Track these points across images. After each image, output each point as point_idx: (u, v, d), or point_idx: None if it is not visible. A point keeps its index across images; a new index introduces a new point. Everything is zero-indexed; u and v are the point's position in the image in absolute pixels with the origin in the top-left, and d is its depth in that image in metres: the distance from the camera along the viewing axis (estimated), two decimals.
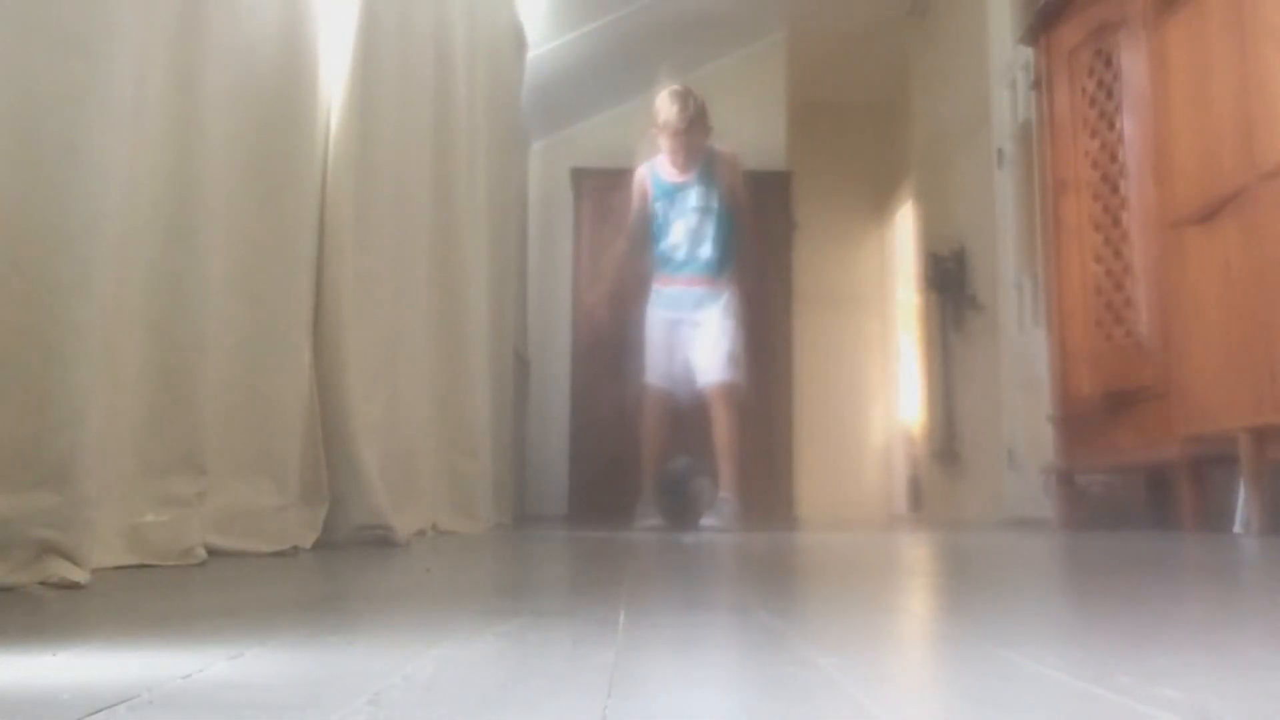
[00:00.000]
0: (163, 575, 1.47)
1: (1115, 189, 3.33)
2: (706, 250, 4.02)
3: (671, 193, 4.07)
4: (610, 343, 5.68)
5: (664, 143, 4.02)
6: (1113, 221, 3.33)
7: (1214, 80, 2.72)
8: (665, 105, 3.96)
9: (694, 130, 3.96)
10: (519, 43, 4.87)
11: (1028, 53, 4.17)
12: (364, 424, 2.34)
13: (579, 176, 5.89)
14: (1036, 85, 3.90)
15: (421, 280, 2.99)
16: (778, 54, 6.19)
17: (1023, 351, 4.63)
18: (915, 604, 1.26)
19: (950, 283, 5.57)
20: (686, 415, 4.02)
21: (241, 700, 0.61)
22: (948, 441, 5.73)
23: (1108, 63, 3.38)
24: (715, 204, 4.02)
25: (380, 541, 2.26)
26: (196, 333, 1.77)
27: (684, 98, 3.96)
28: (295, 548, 1.99)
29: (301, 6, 2.25)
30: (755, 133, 5.67)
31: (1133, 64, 3.22)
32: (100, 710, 0.56)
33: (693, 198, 4.03)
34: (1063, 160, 3.61)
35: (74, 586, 1.21)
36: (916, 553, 2.35)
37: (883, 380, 7.66)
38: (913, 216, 6.82)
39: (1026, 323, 4.69)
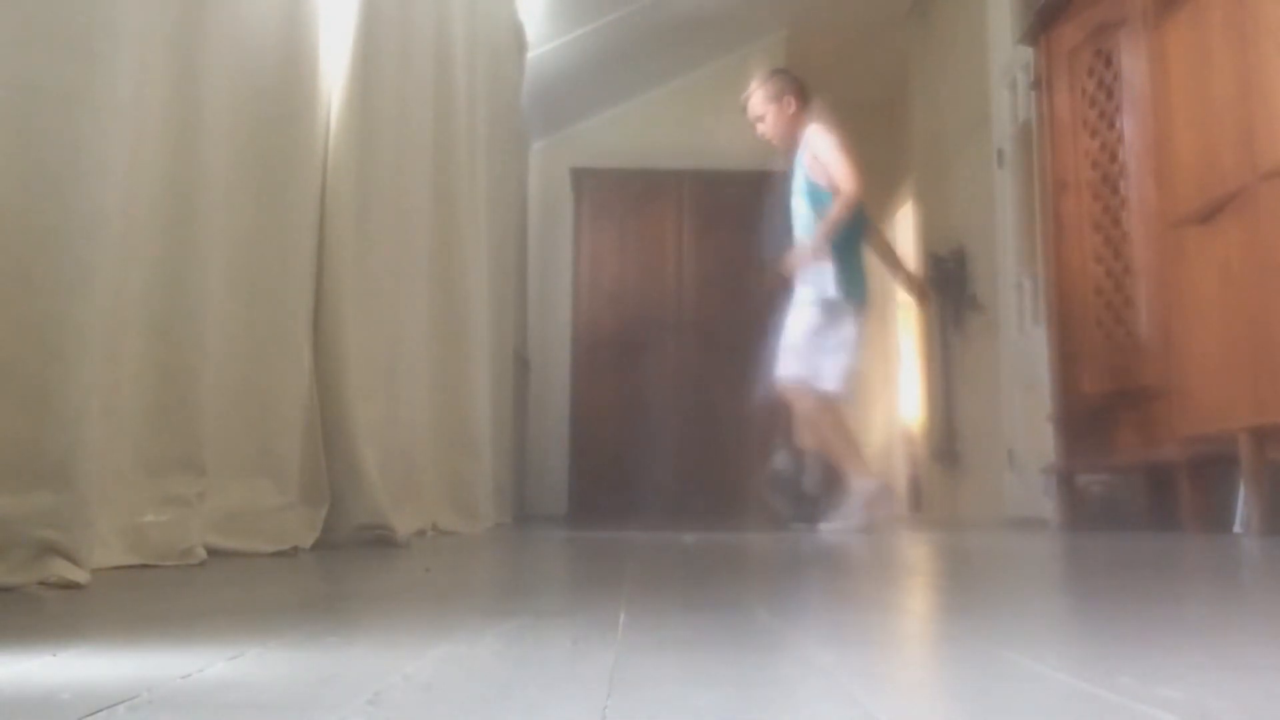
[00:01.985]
0: (163, 575, 1.47)
1: (1115, 189, 3.33)
2: (798, 234, 3.79)
3: (785, 182, 3.95)
4: (612, 343, 5.69)
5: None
6: (1113, 221, 3.33)
7: (1214, 80, 2.72)
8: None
9: (763, 107, 3.88)
10: (519, 43, 4.87)
11: (1028, 53, 4.17)
12: (364, 424, 2.34)
13: (579, 176, 5.90)
14: (1036, 85, 3.89)
15: (421, 280, 2.99)
16: (778, 54, 6.18)
17: (1023, 351, 4.63)
18: (915, 603, 1.26)
19: (950, 283, 5.57)
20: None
21: (241, 700, 0.61)
22: (948, 441, 5.73)
23: (1108, 63, 3.38)
24: (803, 184, 3.81)
25: (380, 541, 2.26)
26: (196, 332, 1.77)
27: (761, 79, 3.92)
28: (295, 548, 1.99)
29: (302, 7, 2.25)
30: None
31: (1133, 64, 3.22)
32: (100, 710, 0.56)
33: (792, 183, 3.88)
34: (1063, 160, 3.61)
35: (74, 586, 1.21)
36: (917, 552, 2.35)
37: (883, 380, 7.66)
38: (913, 216, 6.82)
39: (1026, 323, 4.69)
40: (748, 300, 5.21)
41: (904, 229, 7.29)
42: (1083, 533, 3.24)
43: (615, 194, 5.86)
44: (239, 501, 1.91)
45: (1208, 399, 2.75)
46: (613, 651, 0.76)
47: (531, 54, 5.07)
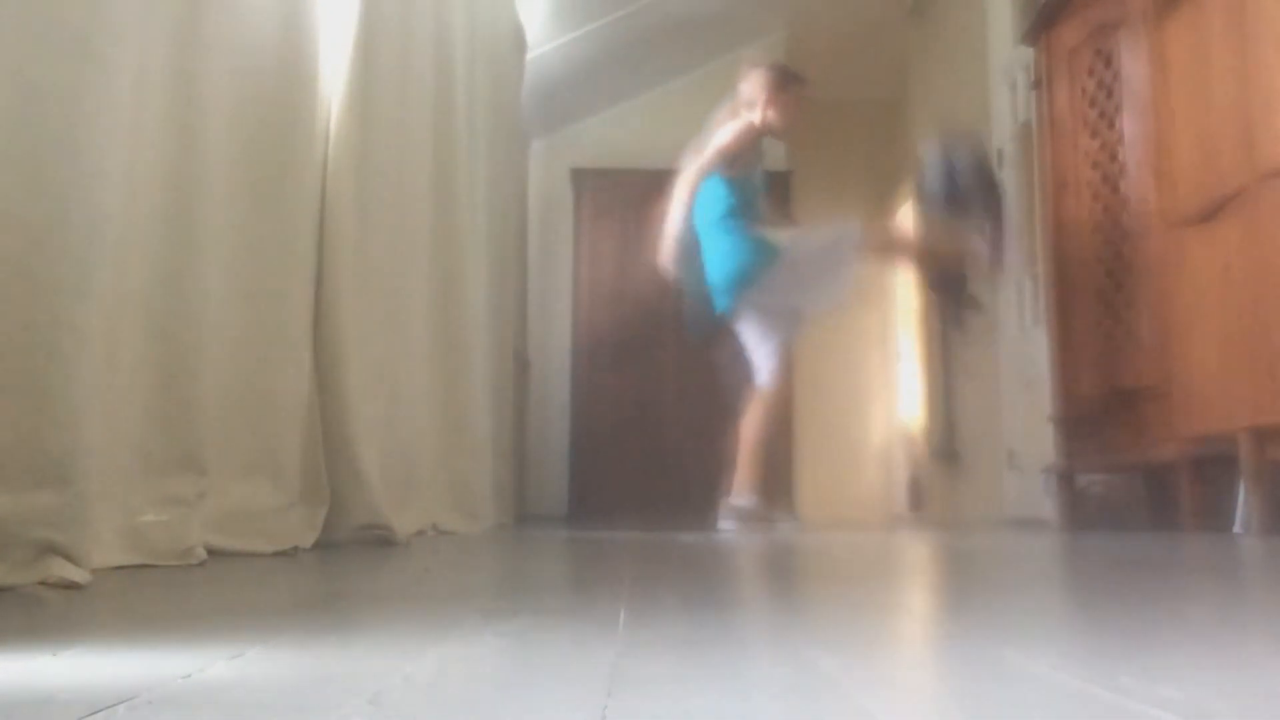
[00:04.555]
0: (163, 575, 1.47)
1: (1115, 189, 3.33)
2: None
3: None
4: (612, 342, 5.69)
5: None
6: (1113, 221, 3.33)
7: (1214, 80, 2.72)
8: None
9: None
10: (519, 43, 4.87)
11: (1028, 53, 4.17)
12: (364, 424, 2.34)
13: (579, 176, 5.90)
14: (1036, 85, 3.89)
15: (421, 280, 2.99)
16: (778, 54, 6.18)
17: (1023, 351, 4.63)
18: (916, 604, 1.26)
19: (950, 283, 5.56)
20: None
21: (241, 700, 0.61)
22: (948, 441, 5.73)
23: (1108, 63, 3.38)
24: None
25: (380, 541, 2.26)
26: (196, 332, 1.77)
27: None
28: (295, 548, 1.99)
29: (301, 7, 2.25)
30: None
31: (1133, 64, 3.22)
32: (100, 710, 0.56)
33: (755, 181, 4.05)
34: (1063, 160, 3.61)
35: (74, 586, 1.21)
36: (917, 553, 2.35)
37: (883, 380, 7.66)
38: (913, 216, 6.81)
39: (1026, 323, 4.69)
40: None
41: (904, 229, 7.29)
42: (1083, 533, 3.24)
43: (615, 194, 5.86)
44: (239, 501, 1.91)
45: (1208, 399, 2.75)
46: (613, 651, 0.76)
47: (531, 54, 5.07)
